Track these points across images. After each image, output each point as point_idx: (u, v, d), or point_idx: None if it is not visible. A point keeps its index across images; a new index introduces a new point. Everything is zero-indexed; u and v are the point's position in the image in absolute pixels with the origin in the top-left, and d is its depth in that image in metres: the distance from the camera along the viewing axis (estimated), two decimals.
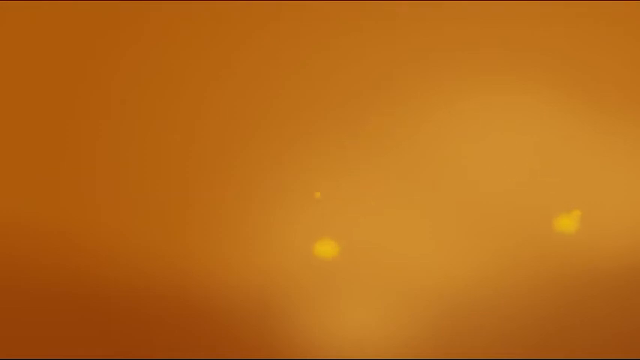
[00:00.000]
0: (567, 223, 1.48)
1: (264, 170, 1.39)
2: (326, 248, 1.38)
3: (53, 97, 1.34)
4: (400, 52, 1.44)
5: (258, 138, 1.39)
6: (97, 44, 1.31)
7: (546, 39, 1.40)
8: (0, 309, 1.18)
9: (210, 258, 1.28)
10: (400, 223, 1.34)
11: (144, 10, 1.27)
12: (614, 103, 1.41)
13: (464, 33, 1.42)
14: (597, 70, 1.40)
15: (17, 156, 1.34)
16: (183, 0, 1.33)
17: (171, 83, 1.35)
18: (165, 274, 1.24)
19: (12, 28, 1.30)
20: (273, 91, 1.40)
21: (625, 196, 1.59)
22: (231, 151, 1.40)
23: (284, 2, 1.36)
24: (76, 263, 1.25)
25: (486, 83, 1.43)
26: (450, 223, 1.34)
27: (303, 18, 1.38)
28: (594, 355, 1.26)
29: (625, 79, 1.40)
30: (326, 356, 1.16)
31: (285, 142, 1.41)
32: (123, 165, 1.36)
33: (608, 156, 1.47)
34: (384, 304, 1.36)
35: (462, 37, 1.42)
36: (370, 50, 1.44)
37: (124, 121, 1.36)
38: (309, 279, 1.28)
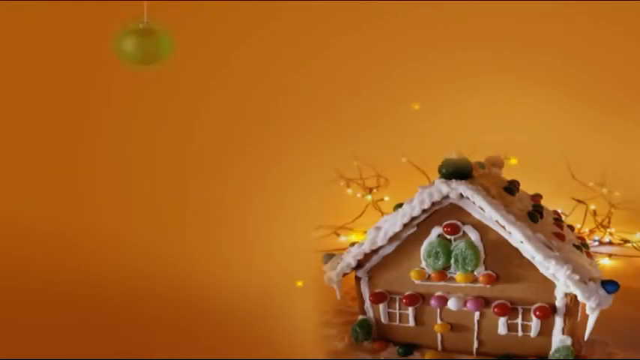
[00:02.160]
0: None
1: (264, 170, 1.38)
2: None
3: (53, 97, 1.34)
4: (400, 52, 1.44)
5: (258, 138, 1.39)
6: (97, 44, 1.31)
7: (546, 39, 1.40)
8: (0, 309, 1.18)
9: (210, 258, 1.28)
10: None
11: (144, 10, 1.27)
12: (614, 103, 1.41)
13: (464, 33, 1.42)
14: (597, 70, 1.39)
15: (17, 156, 1.34)
16: (184, 0, 1.33)
17: (171, 83, 1.35)
18: (165, 274, 1.24)
19: (12, 28, 1.30)
20: (273, 91, 1.40)
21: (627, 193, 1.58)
22: (231, 151, 1.39)
23: (284, 2, 1.36)
24: (76, 263, 1.25)
25: (486, 83, 1.43)
26: None
27: (303, 18, 1.38)
28: None
29: (625, 79, 1.40)
30: (325, 356, 1.16)
31: (285, 142, 1.41)
32: (123, 165, 1.36)
33: (608, 156, 1.47)
34: None
35: (462, 37, 1.42)
36: (370, 50, 1.43)
37: (124, 121, 1.36)
38: (308, 279, 1.27)
